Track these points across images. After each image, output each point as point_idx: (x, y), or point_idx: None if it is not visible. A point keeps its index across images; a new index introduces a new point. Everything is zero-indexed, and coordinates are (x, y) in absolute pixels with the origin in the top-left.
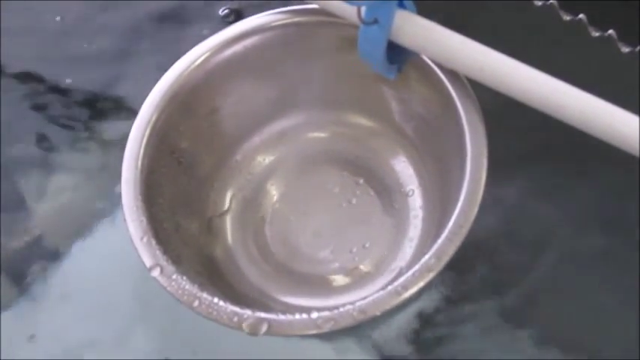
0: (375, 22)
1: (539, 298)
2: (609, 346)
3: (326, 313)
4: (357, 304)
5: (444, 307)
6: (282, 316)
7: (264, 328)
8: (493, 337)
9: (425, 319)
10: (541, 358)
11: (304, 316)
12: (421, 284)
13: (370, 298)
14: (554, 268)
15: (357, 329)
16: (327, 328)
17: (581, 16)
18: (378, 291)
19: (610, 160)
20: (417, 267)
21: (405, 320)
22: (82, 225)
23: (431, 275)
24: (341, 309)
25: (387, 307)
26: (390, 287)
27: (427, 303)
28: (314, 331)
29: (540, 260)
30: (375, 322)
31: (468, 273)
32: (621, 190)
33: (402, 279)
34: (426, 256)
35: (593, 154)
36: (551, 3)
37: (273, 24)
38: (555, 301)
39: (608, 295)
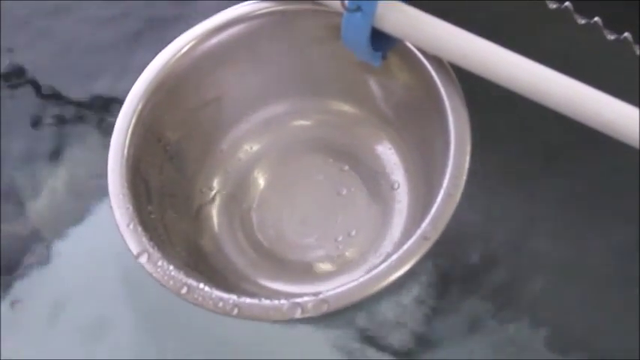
0: (359, 9)
1: (537, 299)
2: (609, 346)
3: (310, 298)
4: (334, 291)
5: (440, 305)
6: (266, 302)
7: (246, 313)
8: (490, 338)
9: (421, 319)
10: (540, 359)
11: (290, 301)
12: (406, 268)
13: (350, 285)
14: (551, 267)
15: (346, 315)
16: (312, 312)
17: (567, 4)
18: (358, 278)
19: (610, 151)
20: (398, 254)
21: (400, 318)
22: (74, 217)
23: (413, 261)
24: (324, 294)
25: (367, 293)
26: (371, 273)
27: (422, 300)
28: (298, 316)
29: (536, 259)
30: (358, 308)
31: (461, 268)
32: (621, 186)
33: (383, 265)
34: (408, 243)
35: (590, 143)
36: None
37: (259, 12)
38: (554, 301)
39: (607, 295)
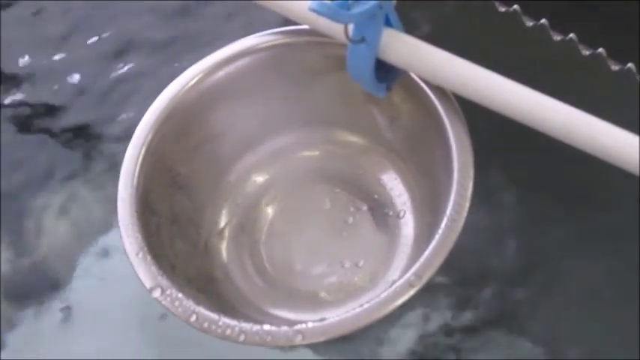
0: (363, 40)
1: (537, 302)
2: (610, 347)
3: (310, 325)
4: (332, 319)
5: (444, 317)
6: (270, 328)
7: (252, 339)
8: (490, 343)
9: (424, 331)
10: (541, 359)
11: (292, 328)
12: (405, 298)
13: (349, 314)
14: (552, 274)
15: (352, 341)
16: (313, 339)
17: (571, 35)
18: (355, 307)
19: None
20: (401, 281)
21: (402, 333)
22: (84, 246)
23: (414, 290)
24: (321, 322)
25: (364, 322)
26: (369, 303)
27: (425, 314)
28: (299, 342)
29: (536, 266)
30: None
31: (466, 285)
32: (622, 198)
33: (384, 294)
34: (410, 272)
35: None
36: (541, 23)
37: (265, 45)
38: (554, 302)
39: (607, 296)
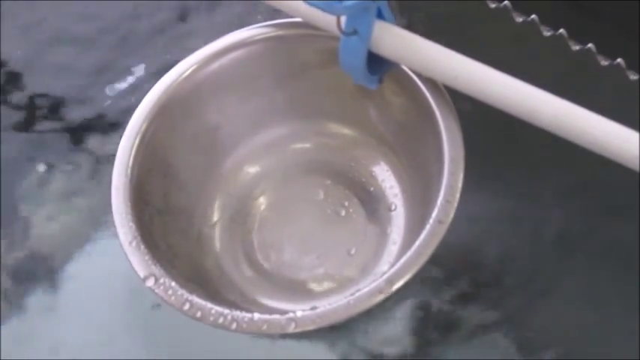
0: (355, 32)
1: (536, 303)
2: (609, 347)
3: (304, 313)
4: (325, 307)
5: (436, 312)
6: (262, 316)
7: (244, 327)
8: (488, 344)
9: (418, 327)
10: (541, 359)
11: (285, 316)
12: (396, 287)
13: (340, 302)
14: (551, 272)
15: (345, 330)
16: (306, 327)
17: (561, 31)
18: (348, 296)
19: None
20: (392, 270)
21: (397, 327)
22: (78, 238)
23: (405, 279)
24: (315, 310)
25: (356, 311)
26: (359, 292)
27: (421, 309)
28: (292, 331)
29: (535, 265)
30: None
31: (459, 278)
32: (622, 192)
33: (374, 284)
34: (401, 262)
35: (585, 157)
36: (532, 19)
37: (258, 37)
38: (555, 303)
39: (607, 296)
